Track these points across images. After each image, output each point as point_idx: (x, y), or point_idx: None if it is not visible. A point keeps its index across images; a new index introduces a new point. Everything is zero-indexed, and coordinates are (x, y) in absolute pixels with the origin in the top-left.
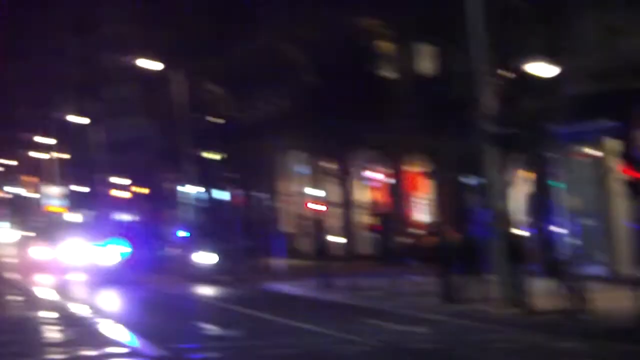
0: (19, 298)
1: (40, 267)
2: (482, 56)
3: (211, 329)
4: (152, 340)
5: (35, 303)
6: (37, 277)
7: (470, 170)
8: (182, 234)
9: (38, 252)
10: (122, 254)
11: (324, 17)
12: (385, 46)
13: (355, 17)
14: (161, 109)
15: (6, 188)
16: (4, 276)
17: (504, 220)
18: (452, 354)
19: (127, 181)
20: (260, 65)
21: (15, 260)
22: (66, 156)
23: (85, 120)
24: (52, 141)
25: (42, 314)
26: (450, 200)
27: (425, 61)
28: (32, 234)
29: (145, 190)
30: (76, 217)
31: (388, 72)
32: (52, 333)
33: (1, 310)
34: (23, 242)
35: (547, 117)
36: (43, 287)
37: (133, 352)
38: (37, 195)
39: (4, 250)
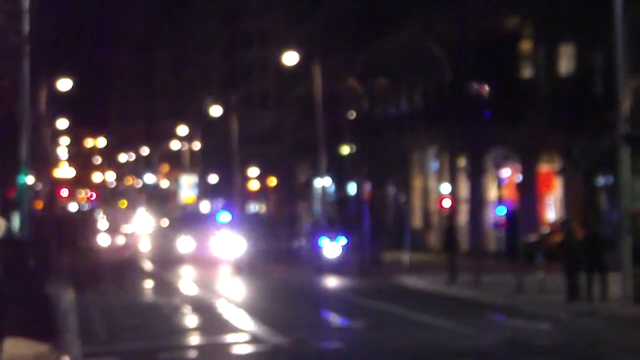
0: (153, 286)
1: (178, 258)
2: (624, 56)
3: (334, 319)
4: (275, 328)
5: (167, 290)
6: (173, 267)
7: (602, 170)
8: (308, 224)
9: (182, 243)
10: (250, 246)
11: (468, 15)
12: (525, 45)
13: (499, 16)
14: (297, 102)
15: (145, 177)
16: (141, 265)
17: (634, 220)
18: (572, 352)
19: (259, 172)
20: (398, 61)
21: (152, 250)
22: (200, 146)
23: (221, 112)
24: (189, 131)
25: (172, 300)
26: (579, 199)
27: (564, 61)
28: (168, 224)
29: (276, 182)
30: (206, 206)
31: (526, 71)
32: (179, 319)
33: (135, 296)
34: (159, 232)
35: None
36: (177, 276)
37: (255, 339)
38: (167, 184)
39: (141, 239)
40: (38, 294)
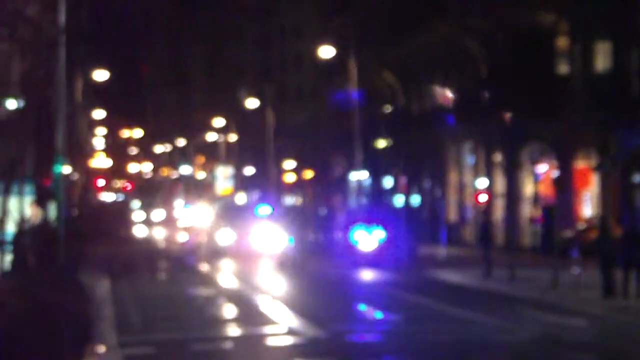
0: (191, 277)
1: (217, 251)
2: None
3: (370, 312)
4: (311, 320)
5: (205, 282)
6: (213, 259)
7: (638, 167)
8: (345, 218)
9: (222, 236)
10: (289, 239)
11: (503, 10)
12: (561, 42)
13: (534, 13)
14: (333, 95)
15: (181, 168)
16: (179, 256)
17: None
18: (607, 348)
19: (295, 164)
20: (434, 56)
21: (192, 242)
22: (236, 138)
23: (257, 104)
24: (224, 123)
25: (209, 292)
26: (615, 196)
27: (600, 58)
28: (207, 216)
29: (313, 174)
30: (242, 198)
31: (563, 68)
32: (216, 310)
33: (172, 287)
34: (198, 224)
35: None
36: (216, 268)
37: (292, 332)
38: (203, 175)
39: (179, 232)
40: (70, 282)
